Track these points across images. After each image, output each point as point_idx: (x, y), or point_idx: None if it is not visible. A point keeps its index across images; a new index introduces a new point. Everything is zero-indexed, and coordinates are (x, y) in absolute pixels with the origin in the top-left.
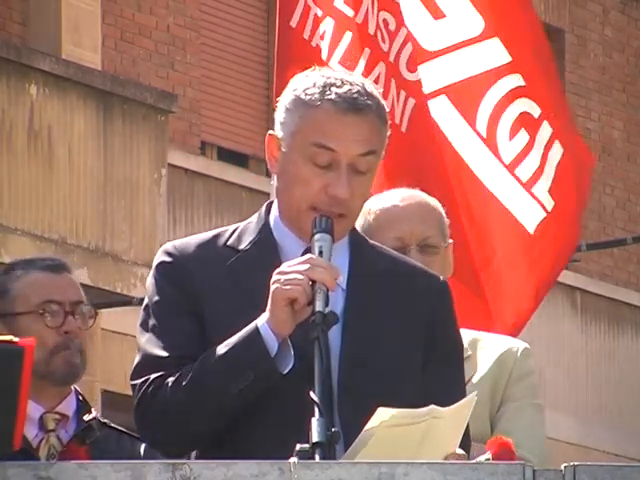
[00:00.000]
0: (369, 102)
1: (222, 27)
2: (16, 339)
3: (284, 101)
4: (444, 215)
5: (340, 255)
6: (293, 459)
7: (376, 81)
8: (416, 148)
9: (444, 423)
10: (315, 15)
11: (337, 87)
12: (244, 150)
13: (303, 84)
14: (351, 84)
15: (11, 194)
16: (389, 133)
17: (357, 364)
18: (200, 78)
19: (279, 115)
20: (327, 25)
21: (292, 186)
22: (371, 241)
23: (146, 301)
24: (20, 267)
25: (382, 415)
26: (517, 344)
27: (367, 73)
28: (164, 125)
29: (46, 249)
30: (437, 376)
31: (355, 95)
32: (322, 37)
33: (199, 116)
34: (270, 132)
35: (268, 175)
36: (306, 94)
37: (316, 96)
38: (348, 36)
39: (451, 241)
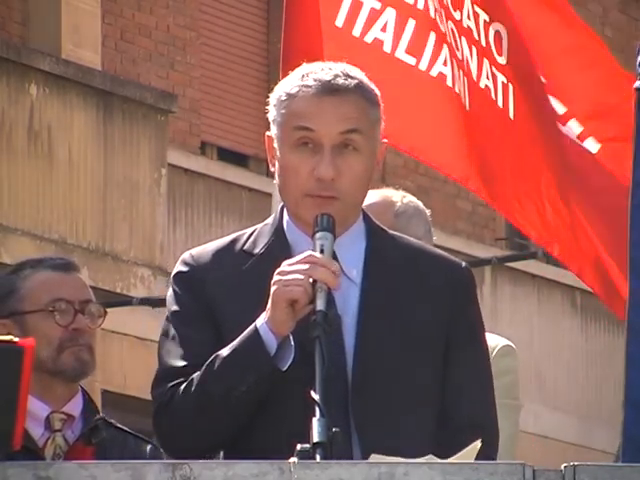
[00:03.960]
0: (347, 82)
1: (222, 27)
2: (16, 339)
3: (272, 99)
4: None
5: (356, 246)
6: (293, 459)
7: (444, 63)
8: (480, 126)
9: None
10: (372, 9)
11: (314, 73)
12: (244, 150)
13: (286, 80)
14: (330, 69)
15: (11, 194)
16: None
17: (371, 362)
18: (200, 78)
19: (270, 114)
20: (389, 16)
21: (286, 178)
22: (391, 231)
23: (167, 312)
24: (29, 266)
25: None
26: (496, 341)
27: (434, 57)
28: (164, 125)
29: (46, 249)
30: (460, 365)
31: (331, 77)
32: (384, 29)
33: (199, 116)
34: (267, 133)
35: (268, 175)
36: (288, 86)
37: (295, 85)
38: (412, 24)
39: None
